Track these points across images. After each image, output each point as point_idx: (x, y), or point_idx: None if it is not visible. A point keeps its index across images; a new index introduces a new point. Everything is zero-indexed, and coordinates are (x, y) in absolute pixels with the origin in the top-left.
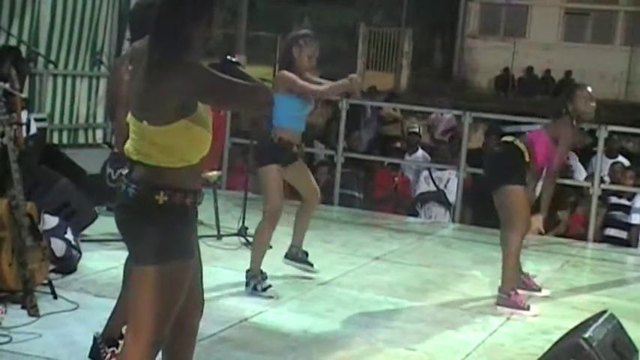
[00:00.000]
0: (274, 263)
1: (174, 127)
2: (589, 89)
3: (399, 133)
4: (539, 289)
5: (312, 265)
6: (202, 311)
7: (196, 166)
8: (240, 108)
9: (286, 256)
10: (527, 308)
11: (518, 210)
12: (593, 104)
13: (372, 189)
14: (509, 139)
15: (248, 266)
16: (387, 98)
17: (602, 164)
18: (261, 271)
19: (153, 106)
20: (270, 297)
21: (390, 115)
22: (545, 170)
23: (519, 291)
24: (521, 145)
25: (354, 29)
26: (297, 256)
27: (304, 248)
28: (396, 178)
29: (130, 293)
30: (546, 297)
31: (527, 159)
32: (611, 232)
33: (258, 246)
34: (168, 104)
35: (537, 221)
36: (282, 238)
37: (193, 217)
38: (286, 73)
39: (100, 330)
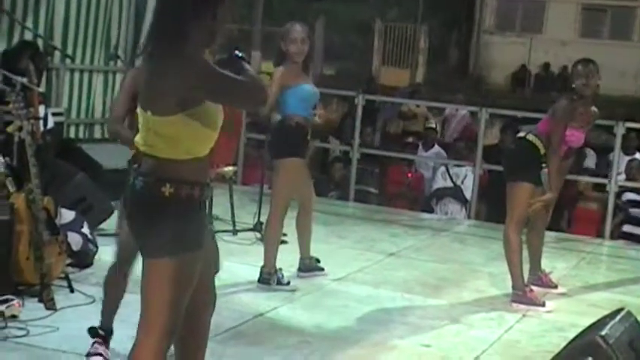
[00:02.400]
0: (289, 258)
1: (174, 119)
2: (591, 66)
3: (420, 129)
4: (555, 287)
5: (322, 269)
6: (214, 307)
7: (203, 160)
8: (235, 104)
9: (300, 270)
10: (543, 304)
11: (517, 205)
12: (588, 81)
13: (386, 184)
14: (522, 134)
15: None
16: (411, 94)
17: (620, 161)
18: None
19: (154, 96)
20: (293, 290)
21: (410, 110)
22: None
23: (535, 288)
24: (534, 139)
25: (369, 25)
26: (310, 266)
27: (319, 244)
28: (409, 175)
29: (140, 287)
30: (562, 294)
31: (542, 151)
32: (628, 229)
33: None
34: (167, 96)
35: (546, 194)
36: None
37: (202, 210)
38: (276, 71)
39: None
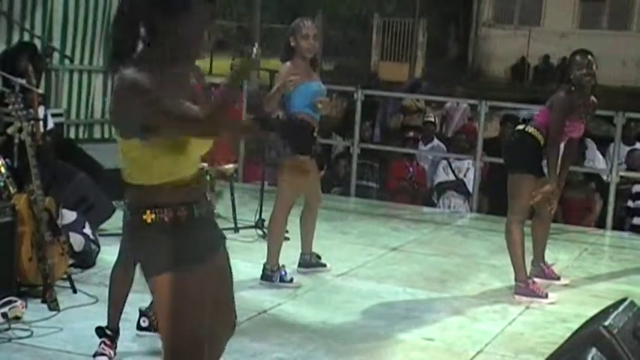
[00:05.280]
0: (291, 255)
1: (133, 143)
2: (589, 57)
3: (419, 123)
4: (558, 278)
5: (325, 265)
6: (234, 330)
7: (186, 180)
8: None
9: (300, 265)
10: (546, 296)
11: (518, 197)
12: (588, 72)
13: (387, 179)
14: (521, 126)
15: (265, 258)
16: (413, 88)
17: (620, 151)
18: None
19: (113, 117)
20: (297, 287)
21: (413, 105)
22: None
23: (538, 280)
24: (534, 131)
25: (368, 20)
26: (310, 262)
27: (321, 240)
28: (411, 168)
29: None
30: (565, 285)
31: (542, 143)
32: (635, 220)
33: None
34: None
35: (546, 186)
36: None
37: (195, 228)
38: (284, 67)
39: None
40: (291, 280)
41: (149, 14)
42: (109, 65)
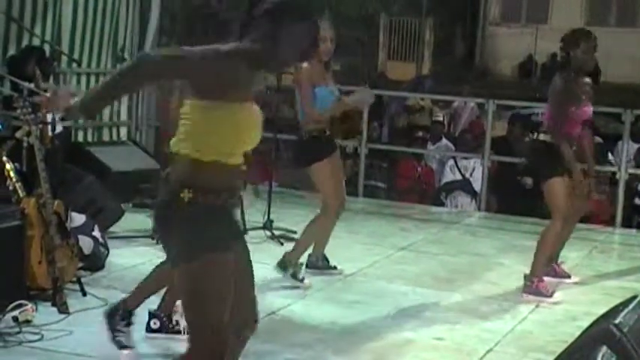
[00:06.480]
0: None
1: (202, 105)
2: (593, 37)
3: (427, 122)
4: (568, 276)
5: (335, 267)
6: (255, 324)
7: (227, 167)
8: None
9: (307, 266)
10: (551, 295)
11: (553, 199)
12: (591, 53)
13: (395, 179)
14: (534, 135)
15: (274, 259)
16: (416, 85)
17: (629, 148)
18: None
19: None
20: (307, 287)
21: (416, 103)
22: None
23: (548, 278)
24: (545, 137)
25: (374, 19)
26: (317, 263)
27: (330, 240)
28: (419, 168)
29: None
30: (575, 283)
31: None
32: None
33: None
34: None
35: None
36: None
37: (226, 215)
38: (303, 69)
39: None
40: (302, 280)
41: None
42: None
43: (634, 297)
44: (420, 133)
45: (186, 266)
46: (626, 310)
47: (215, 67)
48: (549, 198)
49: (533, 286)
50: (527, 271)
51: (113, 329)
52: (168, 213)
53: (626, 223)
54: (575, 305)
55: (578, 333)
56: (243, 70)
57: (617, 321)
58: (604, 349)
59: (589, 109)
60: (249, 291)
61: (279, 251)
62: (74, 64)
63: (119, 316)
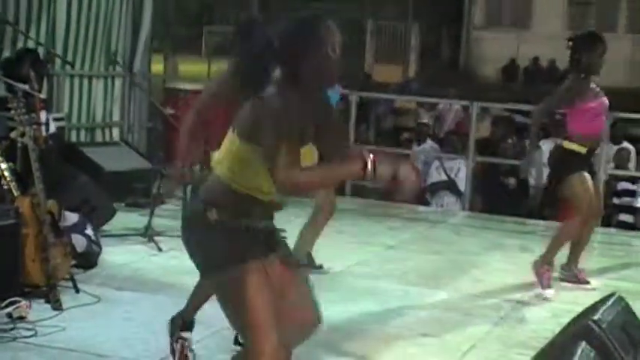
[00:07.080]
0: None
1: (250, 148)
2: (605, 44)
3: (413, 124)
4: (587, 282)
5: (321, 267)
6: (314, 328)
7: (260, 201)
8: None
9: None
10: (545, 288)
11: (573, 195)
12: (603, 59)
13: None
14: (558, 141)
15: None
16: (402, 88)
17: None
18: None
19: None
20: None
21: (404, 106)
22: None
23: (568, 284)
24: (569, 144)
25: (362, 24)
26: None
27: (318, 239)
28: None
29: None
30: (556, 281)
31: (583, 151)
32: (624, 217)
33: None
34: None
35: None
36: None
37: (254, 232)
38: None
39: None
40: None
41: (290, 48)
42: (247, 87)
43: (612, 294)
44: (407, 135)
45: (219, 278)
46: (604, 307)
47: (280, 131)
48: (569, 195)
49: (540, 271)
50: (530, 269)
51: None
52: (195, 226)
53: (606, 223)
54: (558, 303)
55: (559, 329)
56: (294, 123)
57: (595, 317)
58: (583, 344)
59: (604, 99)
60: (301, 298)
61: None
62: (68, 67)
63: None
